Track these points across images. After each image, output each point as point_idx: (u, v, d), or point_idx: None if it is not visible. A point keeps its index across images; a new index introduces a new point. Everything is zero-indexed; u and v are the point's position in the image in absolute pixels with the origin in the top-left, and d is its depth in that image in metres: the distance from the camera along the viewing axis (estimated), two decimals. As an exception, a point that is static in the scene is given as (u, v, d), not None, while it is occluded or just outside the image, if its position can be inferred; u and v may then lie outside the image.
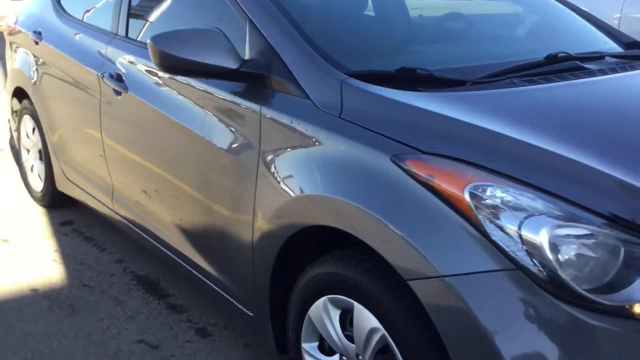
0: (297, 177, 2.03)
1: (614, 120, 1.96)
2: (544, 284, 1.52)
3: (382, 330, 1.81)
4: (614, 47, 2.84)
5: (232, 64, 2.18)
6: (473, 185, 1.63)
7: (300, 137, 2.04)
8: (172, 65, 2.21)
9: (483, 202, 1.61)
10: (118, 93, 2.92)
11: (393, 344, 1.78)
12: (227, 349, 2.70)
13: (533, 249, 1.54)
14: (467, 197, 1.62)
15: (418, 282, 1.66)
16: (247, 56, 2.27)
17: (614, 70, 2.40)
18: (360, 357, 1.93)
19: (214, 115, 2.38)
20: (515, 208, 1.59)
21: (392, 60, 2.30)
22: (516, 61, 2.33)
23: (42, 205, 4.20)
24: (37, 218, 4.07)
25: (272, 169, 2.10)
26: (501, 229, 1.58)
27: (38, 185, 4.14)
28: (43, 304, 3.07)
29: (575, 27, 2.96)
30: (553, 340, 1.52)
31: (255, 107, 2.20)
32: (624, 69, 2.44)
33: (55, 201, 4.02)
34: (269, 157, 2.12)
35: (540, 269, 1.53)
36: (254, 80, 2.21)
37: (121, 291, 3.18)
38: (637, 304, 1.51)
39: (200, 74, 2.24)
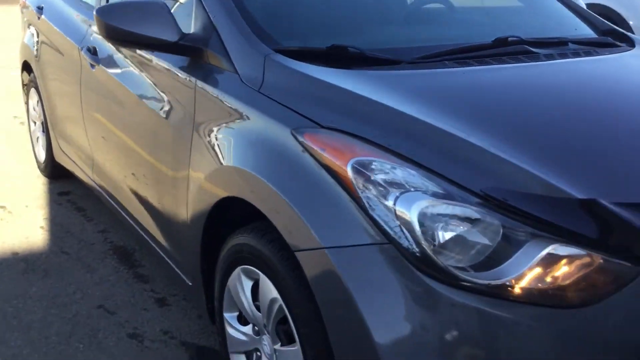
0: (220, 149, 2.07)
1: (526, 105, 1.92)
2: (413, 259, 1.52)
3: (280, 301, 1.83)
4: (587, 33, 2.76)
5: (171, 37, 2.23)
6: (356, 160, 1.64)
7: (226, 110, 2.08)
8: (117, 37, 2.28)
9: (364, 176, 1.62)
10: (93, 66, 3.01)
11: (288, 314, 1.81)
12: (180, 318, 2.77)
13: (405, 225, 1.54)
14: (349, 171, 1.63)
15: (302, 254, 1.68)
16: (192, 30, 2.32)
17: (563, 56, 2.35)
18: (266, 327, 1.96)
19: (160, 86, 2.45)
20: (394, 184, 1.59)
21: (335, 38, 2.30)
22: (464, 44, 2.30)
23: (45, 176, 4.35)
24: (39, 188, 4.23)
25: (203, 141, 2.15)
26: (378, 203, 1.58)
27: (42, 156, 4.30)
28: (19, 267, 3.20)
29: (547, 12, 2.89)
30: (417, 315, 1.52)
31: (192, 79, 2.25)
32: (576, 55, 2.39)
33: (55, 172, 4.16)
34: (201, 129, 2.17)
35: (411, 244, 1.53)
36: (192, 53, 2.26)
37: (96, 259, 3.29)
38: (506, 284, 1.49)
39: (143, 45, 2.30)
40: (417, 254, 1.52)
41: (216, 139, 2.09)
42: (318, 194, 1.69)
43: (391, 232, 1.55)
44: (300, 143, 1.75)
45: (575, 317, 1.48)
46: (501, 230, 1.52)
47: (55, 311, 2.83)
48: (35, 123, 4.40)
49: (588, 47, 2.53)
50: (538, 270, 1.49)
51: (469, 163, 1.63)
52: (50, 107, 3.85)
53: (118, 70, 2.78)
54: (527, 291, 1.49)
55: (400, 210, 1.55)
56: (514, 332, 1.48)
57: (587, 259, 1.50)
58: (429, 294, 1.51)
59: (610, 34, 2.80)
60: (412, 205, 1.55)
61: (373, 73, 2.04)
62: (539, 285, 1.49)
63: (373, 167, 1.63)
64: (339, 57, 2.12)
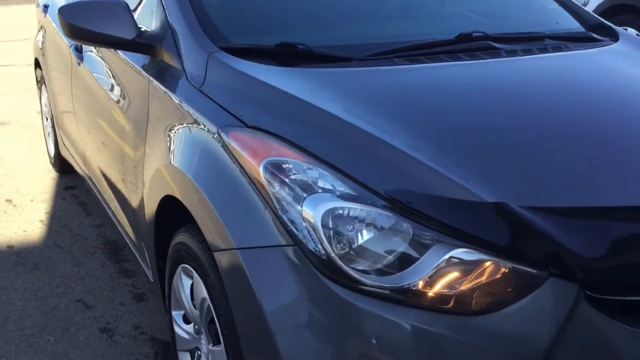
0: (165, 146, 2.07)
1: (459, 105, 1.86)
2: (316, 262, 1.50)
3: (208, 301, 1.83)
4: (572, 27, 2.66)
5: (128, 35, 2.25)
6: (268, 160, 1.62)
7: (172, 108, 2.08)
8: (78, 35, 2.31)
9: (275, 177, 1.59)
10: (79, 64, 3.06)
11: (214, 314, 1.80)
12: (154, 314, 2.79)
13: (311, 226, 1.51)
14: (261, 171, 1.61)
15: (219, 254, 1.67)
16: (152, 28, 2.33)
17: (527, 52, 2.27)
18: (202, 326, 1.96)
19: (124, 83, 2.47)
20: (304, 185, 1.57)
21: (291, 35, 2.28)
22: (424, 40, 2.24)
23: (56, 171, 4.45)
24: (47, 182, 4.33)
25: (155, 138, 2.16)
26: (288, 204, 1.56)
27: (52, 151, 4.40)
28: (12, 260, 3.28)
29: (529, 6, 2.80)
30: (318, 318, 1.49)
31: (146, 76, 2.26)
32: (543, 51, 2.31)
33: (63, 167, 4.25)
34: (153, 126, 2.18)
35: (316, 247, 1.50)
36: (148, 51, 2.27)
37: (86, 254, 3.35)
38: (407, 289, 1.45)
39: (102, 43, 2.32)
40: (320, 257, 1.49)
41: (163, 136, 2.10)
42: (236, 194, 1.67)
43: (298, 234, 1.53)
44: (225, 142, 1.74)
45: (474, 324, 1.42)
46: (405, 235, 1.47)
47: (35, 304, 2.89)
48: (47, 119, 4.50)
49: (564, 42, 2.44)
50: (440, 276, 1.44)
51: (383, 164, 1.59)
52: (54, 103, 3.94)
53: (95, 67, 2.83)
54: (428, 297, 1.44)
55: (307, 211, 1.52)
56: (412, 338, 1.44)
57: (491, 265, 1.44)
58: (329, 297, 1.48)
59: (598, 28, 2.69)
60: (317, 207, 1.52)
61: (317, 71, 2.01)
62: (441, 290, 1.44)
63: (285, 167, 1.60)
64: (289, 55, 2.09)
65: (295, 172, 1.59)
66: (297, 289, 1.52)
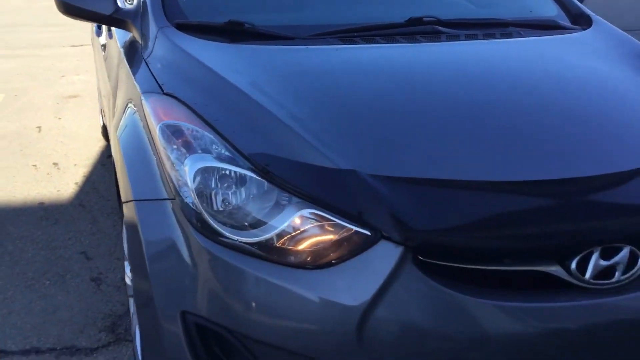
0: (120, 114, 2.30)
1: (361, 85, 1.98)
2: (188, 214, 1.68)
3: (125, 247, 2.05)
4: (546, 15, 2.69)
5: (106, 11, 2.49)
6: (165, 122, 1.82)
7: (126, 77, 2.32)
8: (70, 11, 2.57)
9: (168, 138, 1.78)
10: (102, 44, 3.37)
11: (127, 259, 2.02)
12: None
13: (187, 183, 1.69)
14: (158, 132, 1.81)
15: (124, 205, 1.89)
16: (134, 4, 2.57)
17: (471, 38, 2.34)
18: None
19: (112, 58, 2.73)
20: (188, 146, 1.75)
21: (249, 14, 2.44)
22: (371, 23, 2.36)
23: (105, 140, 4.84)
24: (94, 150, 4.71)
25: (118, 106, 2.40)
26: (174, 163, 1.75)
27: (101, 122, 4.78)
28: (39, 215, 3.65)
29: None
30: (185, 266, 1.68)
31: (119, 49, 2.51)
32: (489, 37, 2.37)
33: (108, 137, 4.61)
34: (118, 95, 2.43)
35: (189, 201, 1.68)
36: (123, 25, 2.51)
37: (104, 214, 3.67)
38: (261, 243, 1.60)
39: (88, 18, 2.58)
40: (192, 210, 1.67)
41: (121, 104, 2.33)
42: (142, 152, 1.89)
43: (179, 189, 1.71)
44: (142, 106, 1.95)
45: (310, 277, 1.56)
46: (264, 195, 1.63)
47: (44, 252, 3.23)
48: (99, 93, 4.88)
49: (525, 29, 2.48)
50: (288, 233, 1.59)
51: (260, 131, 1.75)
52: (97, 78, 4.30)
53: (109, 47, 3.11)
54: (276, 251, 1.59)
55: (187, 169, 1.71)
56: (255, 287, 1.59)
57: (332, 226, 1.58)
58: (196, 247, 1.66)
59: (578, 16, 2.70)
60: (193, 165, 1.69)
61: (252, 47, 2.18)
62: (287, 246, 1.59)
63: (177, 130, 1.80)
64: (238, 33, 2.27)
65: (184, 134, 1.78)
66: (172, 237, 1.71)
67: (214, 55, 2.09)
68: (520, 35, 2.40)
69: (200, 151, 1.73)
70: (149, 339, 1.78)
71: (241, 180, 1.65)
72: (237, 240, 1.61)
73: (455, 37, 2.31)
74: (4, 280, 2.98)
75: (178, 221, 1.70)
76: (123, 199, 1.90)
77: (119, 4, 2.55)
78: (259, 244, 1.60)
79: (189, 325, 1.66)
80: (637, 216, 1.65)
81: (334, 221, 1.58)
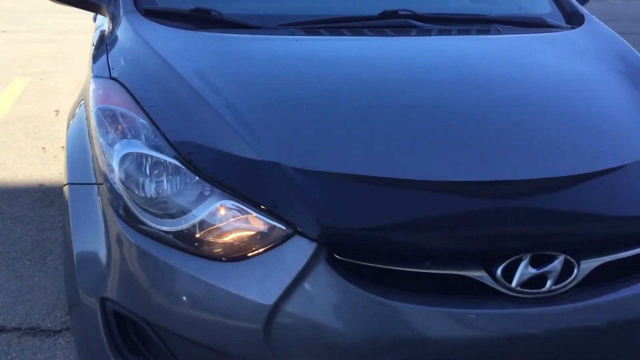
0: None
1: (307, 75, 1.93)
2: (113, 200, 1.66)
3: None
4: (537, 12, 2.59)
5: (84, -4, 2.50)
6: (100, 107, 1.80)
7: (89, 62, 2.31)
8: (53, -4, 2.59)
9: (102, 122, 1.77)
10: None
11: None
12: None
13: (114, 168, 1.67)
14: (93, 115, 1.79)
15: (63, 188, 1.88)
16: (112, -10, 2.57)
17: (443, 33, 2.27)
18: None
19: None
20: (120, 130, 1.73)
21: (227, 3, 2.42)
22: (342, 15, 2.31)
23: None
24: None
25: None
26: (105, 147, 1.73)
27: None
28: (36, 196, 3.70)
29: None
30: (107, 250, 1.66)
31: (98, 27, 2.51)
32: (464, 33, 2.29)
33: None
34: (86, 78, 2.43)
35: (114, 186, 1.66)
36: (98, 10, 2.51)
37: (99, 198, 3.69)
38: (179, 233, 1.57)
39: (68, 2, 2.59)
40: (117, 196, 1.65)
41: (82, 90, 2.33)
42: (81, 135, 1.87)
43: (106, 174, 1.69)
44: (90, 90, 1.94)
45: (224, 269, 1.52)
46: (186, 185, 1.59)
47: (32, 234, 3.26)
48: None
49: (509, 25, 2.39)
50: (207, 224, 1.55)
51: (191, 119, 1.71)
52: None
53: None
54: (193, 241, 1.56)
55: (115, 155, 1.68)
56: (174, 278, 1.56)
57: (249, 218, 1.53)
58: (116, 233, 1.64)
59: (573, 15, 2.60)
60: (121, 151, 1.67)
61: (215, 35, 2.15)
62: (206, 237, 1.55)
63: (112, 114, 1.77)
64: (205, 20, 2.24)
65: (117, 119, 1.75)
66: (96, 222, 1.69)
67: (169, 41, 2.06)
68: (499, 33, 2.31)
69: (130, 137, 1.70)
70: (75, 323, 1.76)
71: (165, 169, 1.62)
72: (156, 228, 1.58)
73: (427, 32, 2.23)
74: (-8, 258, 3.03)
75: (103, 206, 1.67)
76: (64, 181, 1.89)
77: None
78: (176, 233, 1.56)
79: (108, 312, 1.64)
80: (573, 224, 1.56)
81: (251, 214, 1.53)
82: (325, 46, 2.14)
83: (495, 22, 2.41)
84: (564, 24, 2.51)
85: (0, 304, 2.70)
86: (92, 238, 1.68)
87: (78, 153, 1.85)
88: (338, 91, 1.85)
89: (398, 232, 1.49)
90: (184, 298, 1.54)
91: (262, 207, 1.52)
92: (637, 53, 2.29)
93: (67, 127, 2.03)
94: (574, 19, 2.57)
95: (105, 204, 1.67)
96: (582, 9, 2.63)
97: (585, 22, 2.51)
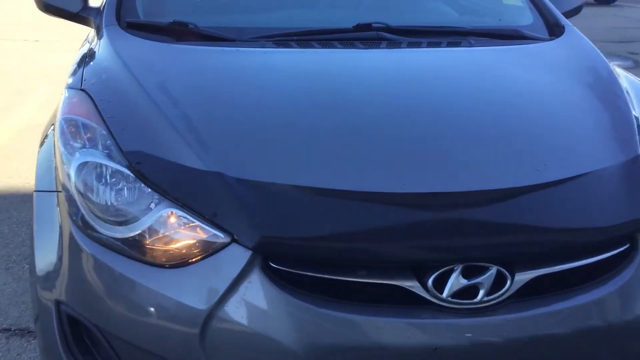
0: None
1: (265, 86, 1.98)
2: (69, 207, 1.73)
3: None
4: (517, 24, 2.61)
5: (74, 8, 2.60)
6: (64, 117, 1.89)
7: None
8: (42, 8, 2.70)
9: (64, 131, 1.85)
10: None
11: None
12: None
13: (71, 175, 1.75)
14: (57, 124, 1.87)
15: (33, 194, 1.96)
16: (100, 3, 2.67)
17: (414, 45, 2.30)
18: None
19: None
20: (80, 140, 1.80)
21: (204, 17, 2.49)
22: (317, 27, 2.37)
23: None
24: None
25: None
26: (66, 156, 1.81)
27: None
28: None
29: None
30: (61, 253, 1.72)
31: (86, 40, 2.61)
32: (434, 45, 2.32)
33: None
34: None
35: (70, 194, 1.73)
36: (87, 22, 2.61)
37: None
38: (127, 240, 1.64)
39: (59, 15, 2.70)
40: (73, 203, 1.72)
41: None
42: (50, 145, 1.95)
43: (65, 182, 1.77)
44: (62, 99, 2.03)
45: (165, 275, 1.58)
46: (134, 193, 1.66)
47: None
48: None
49: (485, 38, 2.42)
50: (152, 231, 1.61)
51: (145, 129, 1.78)
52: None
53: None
54: (140, 248, 1.62)
55: (71, 163, 1.76)
56: (119, 284, 1.62)
57: (191, 226, 1.59)
58: (71, 239, 1.71)
59: (555, 27, 2.61)
60: (79, 159, 1.75)
61: (188, 48, 2.22)
62: (151, 244, 1.61)
63: (74, 124, 1.85)
64: (184, 33, 2.32)
65: (79, 129, 1.83)
66: (54, 227, 1.76)
67: (141, 54, 2.14)
68: (470, 45, 2.33)
69: (88, 147, 1.77)
70: (36, 323, 1.84)
71: (117, 178, 1.69)
72: (106, 235, 1.65)
73: (397, 45, 2.27)
74: (-9, 262, 3.15)
75: (61, 213, 1.75)
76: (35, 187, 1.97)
77: (89, 3, 2.64)
78: (124, 240, 1.63)
79: (62, 315, 1.70)
80: (507, 237, 1.57)
81: (194, 222, 1.58)
82: (290, 59, 2.19)
83: (471, 35, 2.42)
84: (543, 35, 2.52)
85: (-5, 306, 2.80)
86: (51, 243, 1.76)
87: (46, 162, 1.93)
88: (290, 104, 1.90)
89: (333, 242, 1.53)
90: (128, 303, 1.60)
91: (204, 216, 1.57)
92: (609, 65, 2.28)
93: (45, 136, 2.12)
94: (557, 31, 2.57)
95: (63, 211, 1.74)
96: (565, 20, 2.63)
97: (564, 33, 2.51)
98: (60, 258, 1.72)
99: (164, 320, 1.56)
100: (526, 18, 2.65)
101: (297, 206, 1.57)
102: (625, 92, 2.09)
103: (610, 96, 2.07)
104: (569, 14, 2.94)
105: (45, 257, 1.76)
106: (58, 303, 1.71)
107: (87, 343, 1.71)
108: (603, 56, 2.38)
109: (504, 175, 1.66)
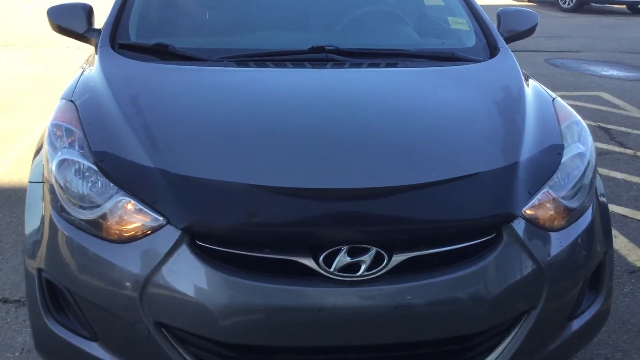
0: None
1: (220, 98, 2.41)
2: (50, 195, 2.18)
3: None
4: (460, 45, 2.98)
5: (80, 29, 3.08)
6: (52, 122, 2.34)
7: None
8: (56, 29, 3.19)
9: (50, 134, 2.30)
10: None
11: None
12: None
13: (52, 169, 2.20)
14: (47, 129, 2.33)
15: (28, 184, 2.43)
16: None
17: (356, 66, 2.70)
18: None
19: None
20: (62, 141, 2.25)
21: (190, 38, 2.94)
22: (277, 49, 2.79)
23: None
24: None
25: None
26: (50, 152, 2.25)
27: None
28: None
29: (427, 24, 3.13)
30: (44, 233, 2.16)
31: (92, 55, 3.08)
32: (373, 66, 2.71)
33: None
34: None
35: (52, 185, 2.18)
36: (90, 42, 3.07)
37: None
38: (91, 221, 2.07)
39: (69, 35, 3.17)
40: (52, 191, 2.17)
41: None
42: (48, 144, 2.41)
43: (48, 175, 2.22)
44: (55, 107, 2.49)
45: (116, 249, 2.01)
46: (99, 184, 2.09)
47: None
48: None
49: (419, 60, 2.80)
50: (109, 214, 2.04)
51: (113, 133, 2.22)
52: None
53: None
54: (99, 227, 2.05)
55: (54, 160, 2.21)
56: (83, 255, 2.06)
57: (138, 211, 2.01)
58: (49, 219, 2.15)
59: (494, 49, 2.97)
60: (59, 156, 2.19)
61: (164, 66, 2.67)
62: (108, 224, 2.04)
63: (60, 128, 2.30)
64: (165, 53, 2.77)
65: (62, 132, 2.28)
66: (39, 211, 2.21)
67: (122, 71, 2.59)
68: (406, 66, 2.71)
69: (67, 147, 2.22)
70: (25, 287, 2.29)
71: (86, 172, 2.13)
72: (75, 216, 2.09)
73: (341, 65, 2.67)
74: (8, 245, 3.65)
75: (44, 199, 2.20)
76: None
77: (93, 26, 3.11)
78: (87, 221, 2.06)
79: (42, 280, 2.15)
80: (384, 225, 1.96)
81: (140, 208, 2.01)
82: (246, 76, 2.60)
83: (413, 56, 2.81)
84: (479, 57, 2.88)
85: (10, 281, 3.29)
86: (36, 222, 2.21)
87: (39, 158, 2.39)
88: (231, 116, 2.32)
89: (245, 225, 1.94)
90: (89, 270, 2.03)
91: (147, 203, 2.00)
92: (523, 85, 2.63)
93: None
94: (494, 53, 2.94)
95: (46, 197, 2.19)
96: (502, 43, 2.98)
97: (497, 55, 2.87)
98: (42, 235, 2.17)
99: (114, 284, 1.99)
100: (470, 41, 3.02)
101: (218, 196, 1.99)
102: (525, 108, 2.44)
103: (509, 112, 2.44)
104: (524, 34, 3.29)
105: (32, 235, 2.21)
106: (39, 270, 2.16)
107: (60, 302, 2.15)
108: (522, 76, 2.73)
109: (389, 176, 2.05)
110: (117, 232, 2.02)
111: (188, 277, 1.92)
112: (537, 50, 10.15)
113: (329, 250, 1.91)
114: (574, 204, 2.19)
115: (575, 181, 2.22)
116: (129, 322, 1.98)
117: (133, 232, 2.00)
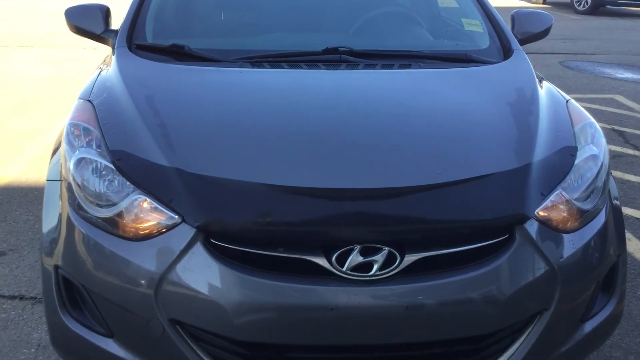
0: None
1: (233, 100, 2.42)
2: (68, 192, 2.21)
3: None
4: (473, 47, 2.99)
5: (97, 30, 3.12)
6: (71, 122, 2.37)
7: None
8: (73, 30, 3.23)
9: (68, 133, 2.34)
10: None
11: None
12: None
13: (70, 168, 2.23)
14: (66, 128, 2.37)
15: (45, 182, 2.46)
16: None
17: (369, 67, 2.71)
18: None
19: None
20: (80, 140, 2.29)
21: (206, 41, 2.97)
22: (293, 50, 2.81)
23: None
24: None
25: None
26: (68, 151, 2.29)
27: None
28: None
29: (444, 27, 3.14)
30: (61, 228, 2.20)
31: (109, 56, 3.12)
32: (387, 67, 2.73)
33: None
34: None
35: (71, 183, 2.21)
36: (108, 43, 3.11)
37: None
38: (109, 219, 2.10)
39: (84, 35, 3.21)
40: (70, 190, 2.20)
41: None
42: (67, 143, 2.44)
43: (66, 173, 2.25)
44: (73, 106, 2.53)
45: (132, 246, 2.03)
46: (116, 183, 2.12)
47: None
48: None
49: (436, 61, 2.81)
50: (126, 213, 2.07)
51: (130, 132, 2.25)
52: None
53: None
54: (116, 225, 2.08)
55: (71, 158, 2.24)
56: (99, 252, 2.09)
57: (155, 209, 2.03)
58: (67, 217, 2.18)
59: (508, 50, 2.98)
60: (77, 155, 2.23)
61: (179, 67, 2.70)
62: (124, 222, 2.07)
63: (77, 127, 2.34)
64: (181, 54, 2.80)
65: (80, 131, 2.31)
66: (56, 208, 2.25)
67: (138, 72, 2.62)
68: (419, 67, 2.73)
69: (85, 146, 2.25)
70: (42, 283, 2.32)
71: (103, 170, 2.16)
72: (92, 214, 2.12)
73: (355, 66, 2.68)
74: (25, 242, 3.69)
75: (62, 197, 2.23)
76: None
77: (110, 27, 3.15)
78: (104, 219, 2.09)
79: (59, 276, 2.18)
80: (397, 225, 1.98)
81: (155, 206, 2.04)
82: (261, 77, 2.63)
83: (426, 58, 2.82)
84: (494, 58, 2.89)
85: (27, 279, 3.33)
86: (54, 219, 2.24)
87: (57, 156, 2.43)
88: (247, 115, 2.34)
89: (259, 224, 1.96)
90: (105, 267, 2.06)
91: (163, 201, 2.03)
92: (538, 88, 2.63)
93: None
94: (508, 54, 2.94)
95: (63, 195, 2.22)
96: (516, 45, 2.99)
97: (510, 57, 2.88)
98: (59, 232, 2.20)
99: (130, 281, 2.01)
100: (483, 43, 3.03)
101: (233, 195, 2.01)
102: (539, 110, 2.45)
103: (522, 113, 2.44)
104: (538, 36, 3.30)
105: (49, 232, 2.24)
106: (56, 267, 2.19)
107: (77, 299, 2.18)
108: (536, 78, 2.73)
109: (402, 177, 2.06)
110: (133, 230, 2.05)
111: (202, 275, 1.95)
112: (552, 53, 10.12)
113: (342, 250, 1.93)
114: (587, 205, 2.19)
115: (588, 183, 2.22)
116: (144, 319, 2.00)
117: (148, 230, 2.03)
